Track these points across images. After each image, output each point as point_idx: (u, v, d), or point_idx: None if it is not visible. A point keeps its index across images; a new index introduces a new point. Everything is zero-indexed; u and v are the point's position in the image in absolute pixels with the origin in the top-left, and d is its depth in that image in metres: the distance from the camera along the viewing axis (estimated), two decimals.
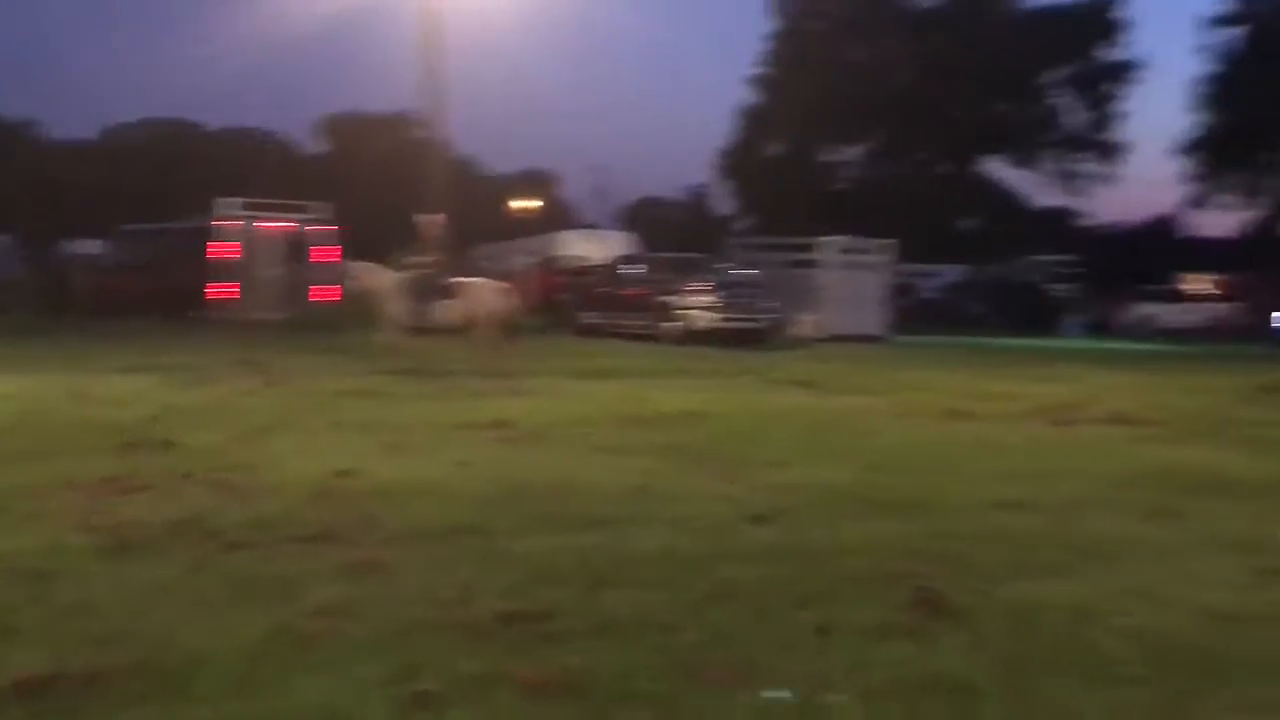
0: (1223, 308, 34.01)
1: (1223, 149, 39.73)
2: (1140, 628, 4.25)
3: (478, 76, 60.67)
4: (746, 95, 49.90)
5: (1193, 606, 4.48)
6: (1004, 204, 50.21)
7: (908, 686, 3.48)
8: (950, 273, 37.48)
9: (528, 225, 42.60)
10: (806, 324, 24.21)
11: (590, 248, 29.80)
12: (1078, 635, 4.14)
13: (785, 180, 45.80)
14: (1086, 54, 47.94)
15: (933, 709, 3.34)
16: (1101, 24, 47.36)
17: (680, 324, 21.51)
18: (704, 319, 21.47)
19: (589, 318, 23.52)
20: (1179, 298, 35.84)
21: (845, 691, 3.42)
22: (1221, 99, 37.70)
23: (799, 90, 44.12)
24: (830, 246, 26.26)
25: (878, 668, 3.63)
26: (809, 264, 26.04)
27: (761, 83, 49.26)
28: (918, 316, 29.09)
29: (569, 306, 24.68)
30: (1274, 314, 26.46)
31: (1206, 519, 6.03)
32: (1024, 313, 28.79)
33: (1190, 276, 37.55)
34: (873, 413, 11.23)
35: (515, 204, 49.40)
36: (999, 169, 50.63)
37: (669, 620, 4.07)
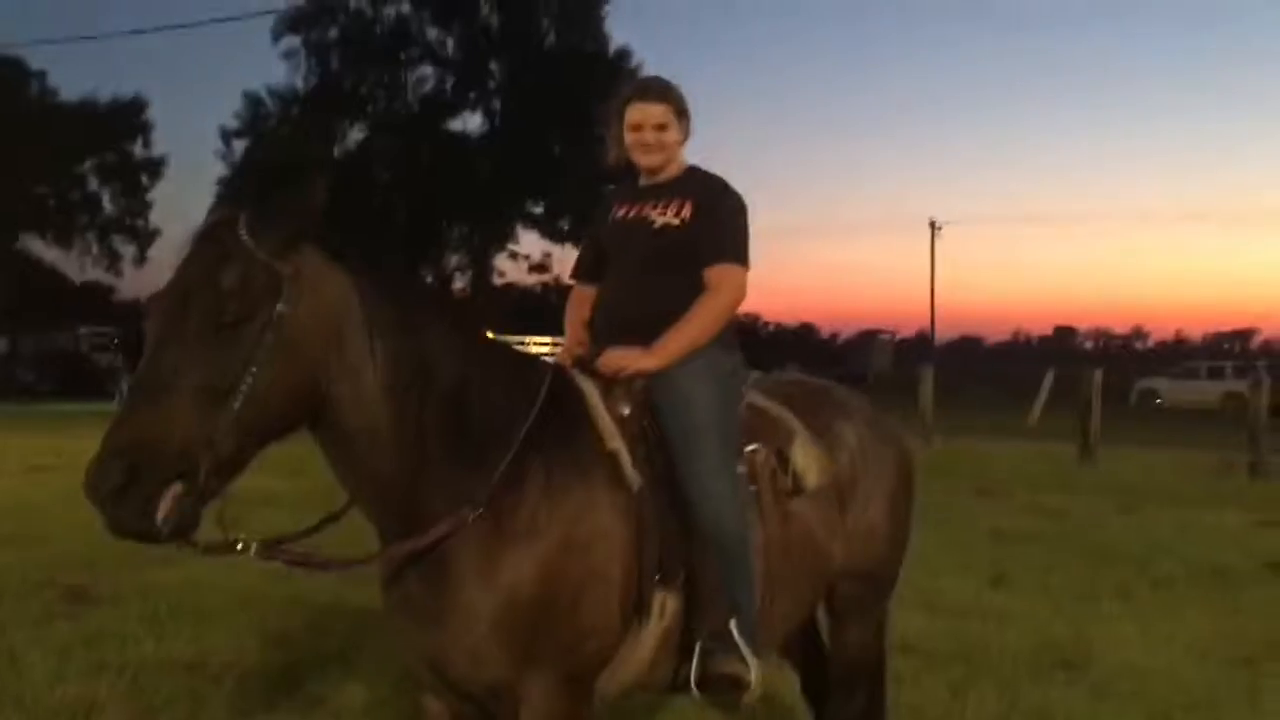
0: None
1: None
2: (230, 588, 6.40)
3: None
4: None
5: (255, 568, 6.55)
6: (44, 279, 50.55)
7: (75, 648, 5.23)
8: None
9: None
10: None
11: None
12: (189, 597, 6.20)
13: None
14: (120, 148, 49.98)
15: (95, 658, 5.04)
16: (132, 123, 49.96)
17: None
18: None
19: None
20: None
21: (34, 655, 5.02)
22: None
23: None
24: None
25: (54, 640, 5.34)
26: None
27: None
28: None
29: None
30: None
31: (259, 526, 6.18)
32: (73, 380, 26.68)
33: None
34: None
35: None
36: (39, 247, 48.67)
37: None
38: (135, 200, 50.55)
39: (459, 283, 50.21)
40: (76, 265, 51.32)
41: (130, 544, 6.30)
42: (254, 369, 2.07)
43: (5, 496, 10.05)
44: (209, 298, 2.06)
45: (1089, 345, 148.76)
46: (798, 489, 2.93)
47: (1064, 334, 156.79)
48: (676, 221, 2.85)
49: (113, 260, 49.83)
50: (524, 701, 2.43)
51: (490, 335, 2.92)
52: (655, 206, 2.89)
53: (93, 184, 50.41)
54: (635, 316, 2.83)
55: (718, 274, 2.81)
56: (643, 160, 2.93)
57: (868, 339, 73.36)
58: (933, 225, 54.66)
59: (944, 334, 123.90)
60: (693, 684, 2.62)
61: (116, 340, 34.27)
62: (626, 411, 2.67)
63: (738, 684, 2.63)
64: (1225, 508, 10.78)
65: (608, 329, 2.89)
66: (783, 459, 2.92)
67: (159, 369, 2.03)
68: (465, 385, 2.44)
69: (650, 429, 2.69)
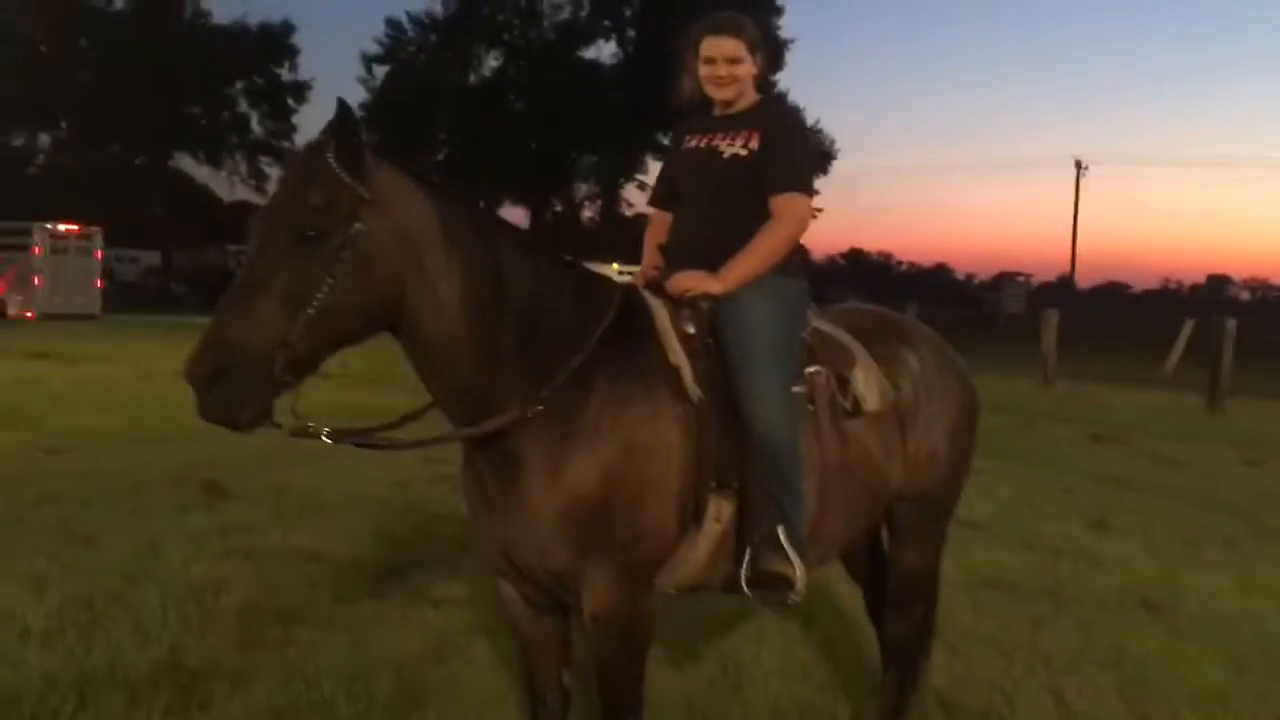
0: None
1: None
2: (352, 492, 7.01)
3: None
4: None
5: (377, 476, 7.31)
6: (196, 197, 53.14)
7: (209, 535, 5.82)
8: (148, 257, 41.91)
9: None
10: (21, 304, 26.34)
11: None
12: (314, 497, 6.84)
13: None
14: (268, 71, 51.23)
15: (225, 545, 5.59)
16: (279, 47, 51.37)
17: None
18: None
19: None
20: None
21: (172, 540, 5.58)
22: (369, 124, 37.08)
23: None
24: (42, 230, 27.44)
25: (190, 528, 5.96)
26: (20, 247, 27.01)
27: None
28: (121, 297, 31.26)
29: None
30: None
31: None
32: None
33: None
34: (117, 376, 13.45)
35: None
36: (191, 165, 49.70)
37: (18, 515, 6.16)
38: (282, 122, 52.14)
39: (588, 211, 50.74)
40: (226, 185, 53.52)
41: (263, 447, 6.74)
42: (331, 279, 2.32)
43: (157, 399, 11.00)
44: (296, 214, 2.32)
45: (1245, 296, 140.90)
46: (857, 411, 3.06)
47: (1217, 283, 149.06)
48: (744, 152, 2.97)
49: (260, 180, 51.11)
50: (586, 591, 2.66)
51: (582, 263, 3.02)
52: (725, 137, 3.03)
53: (242, 105, 52.08)
54: (704, 243, 2.99)
55: (781, 203, 2.93)
56: (715, 93, 3.06)
57: (1003, 281, 71.63)
58: (1078, 165, 52.66)
59: (1087, 279, 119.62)
60: (743, 583, 2.83)
61: None
62: (691, 330, 2.85)
63: (785, 583, 2.82)
64: None
65: (679, 254, 3.06)
66: (843, 382, 3.06)
67: (251, 276, 2.31)
68: (538, 299, 2.65)
69: (712, 347, 2.87)
